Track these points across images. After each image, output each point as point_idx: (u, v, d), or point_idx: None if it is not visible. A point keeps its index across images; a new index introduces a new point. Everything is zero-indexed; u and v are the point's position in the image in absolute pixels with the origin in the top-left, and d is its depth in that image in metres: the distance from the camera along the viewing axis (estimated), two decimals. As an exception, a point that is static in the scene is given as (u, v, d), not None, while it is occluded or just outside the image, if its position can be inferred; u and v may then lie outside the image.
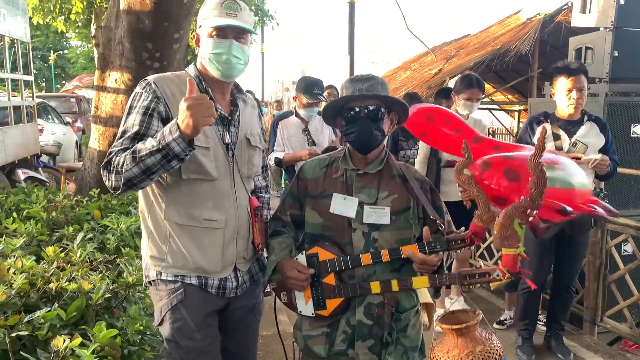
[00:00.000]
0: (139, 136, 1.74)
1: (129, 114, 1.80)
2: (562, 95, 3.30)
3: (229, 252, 1.91)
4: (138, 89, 1.83)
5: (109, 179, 1.71)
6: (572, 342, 3.88)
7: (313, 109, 4.13)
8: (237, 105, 2.00)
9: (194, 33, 1.95)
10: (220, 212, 1.88)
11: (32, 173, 6.84)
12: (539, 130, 3.39)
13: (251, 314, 2.11)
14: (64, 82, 33.13)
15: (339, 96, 2.03)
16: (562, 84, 3.29)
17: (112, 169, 1.69)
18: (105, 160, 1.73)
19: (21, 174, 6.58)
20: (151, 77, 1.85)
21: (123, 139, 1.75)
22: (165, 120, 1.78)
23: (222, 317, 2.01)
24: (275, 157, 4.09)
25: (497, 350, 2.04)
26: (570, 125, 3.34)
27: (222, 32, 1.82)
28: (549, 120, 3.39)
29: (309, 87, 4.07)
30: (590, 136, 3.32)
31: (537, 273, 3.43)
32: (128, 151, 1.67)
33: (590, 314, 4.13)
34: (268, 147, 4.20)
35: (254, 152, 2.04)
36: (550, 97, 3.51)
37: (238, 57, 1.85)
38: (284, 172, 5.54)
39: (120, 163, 1.66)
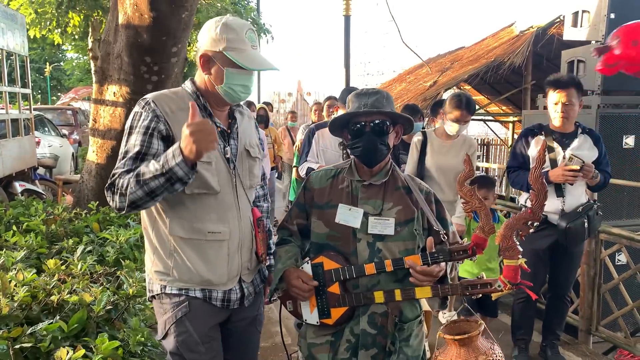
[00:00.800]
0: (141, 155, 1.76)
1: (130, 134, 1.82)
2: (551, 108, 3.38)
3: (234, 264, 1.94)
4: (137, 109, 1.85)
5: (113, 200, 1.74)
6: (568, 351, 3.91)
7: None
8: (235, 118, 2.02)
9: (192, 46, 1.96)
10: (225, 225, 1.90)
11: (29, 185, 6.85)
12: (533, 143, 3.44)
13: (252, 326, 2.13)
14: (59, 94, 33.13)
15: (342, 107, 2.07)
16: (551, 97, 3.37)
17: (116, 190, 1.72)
18: (109, 181, 1.76)
19: (18, 186, 6.58)
20: (149, 96, 1.87)
21: (125, 159, 1.77)
22: (165, 138, 1.80)
23: (224, 330, 2.03)
24: (308, 168, 3.91)
25: (499, 359, 2.07)
26: (564, 138, 3.39)
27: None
28: (543, 132, 3.45)
29: None
30: (584, 149, 3.37)
31: (532, 283, 3.46)
32: (132, 173, 1.70)
33: (585, 324, 4.16)
34: (301, 156, 4.07)
35: (254, 163, 2.07)
36: (544, 109, 3.57)
37: (251, 86, 1.90)
38: (295, 182, 5.45)
39: (125, 186, 1.69)
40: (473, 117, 4.32)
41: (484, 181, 3.71)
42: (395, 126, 2.00)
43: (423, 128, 4.54)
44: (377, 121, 1.92)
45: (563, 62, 5.21)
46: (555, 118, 3.37)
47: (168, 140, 1.76)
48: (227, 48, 1.81)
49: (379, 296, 1.92)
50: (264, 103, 9.42)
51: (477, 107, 11.29)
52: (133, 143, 1.79)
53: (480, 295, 2.01)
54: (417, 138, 3.91)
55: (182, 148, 1.61)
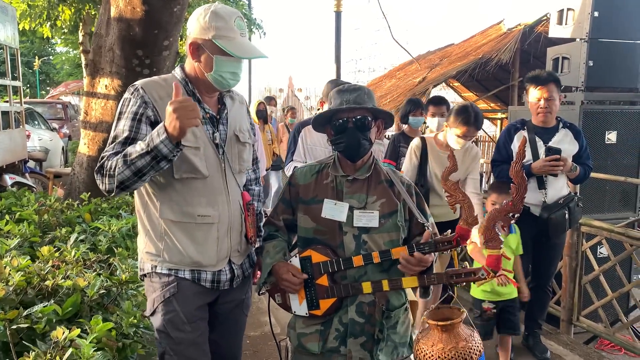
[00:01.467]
0: (129, 141, 1.81)
1: (119, 119, 1.87)
2: (533, 104, 3.48)
3: (223, 246, 1.99)
4: (127, 95, 1.89)
5: (102, 182, 1.79)
6: (550, 341, 4.01)
7: None
8: (225, 104, 2.06)
9: (185, 40, 2.01)
10: (214, 208, 1.96)
11: (19, 178, 6.85)
12: (516, 137, 3.54)
13: (239, 309, 2.18)
14: (48, 88, 32.90)
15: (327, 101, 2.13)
16: (532, 93, 3.47)
17: (105, 172, 1.77)
18: (98, 164, 1.81)
19: (8, 179, 6.59)
20: (139, 82, 1.91)
21: (114, 143, 1.83)
22: (154, 124, 1.84)
23: (211, 311, 2.08)
24: (295, 167, 3.60)
25: (477, 346, 2.16)
26: (546, 133, 3.49)
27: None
28: (525, 127, 3.54)
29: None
30: (565, 143, 3.47)
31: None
32: (119, 155, 1.75)
33: (566, 314, 4.28)
34: (286, 155, 3.87)
35: (244, 147, 2.11)
36: (520, 104, 3.67)
37: (240, 73, 1.95)
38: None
39: (113, 167, 1.74)
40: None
41: (497, 187, 3.50)
42: (377, 121, 2.05)
43: (424, 122, 4.59)
44: (359, 117, 1.97)
45: (548, 59, 5.31)
46: (539, 114, 3.47)
47: (156, 125, 1.81)
48: (216, 36, 1.84)
49: (366, 287, 1.97)
50: (266, 98, 8.95)
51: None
52: (122, 128, 1.84)
53: (464, 283, 2.10)
54: (415, 144, 3.74)
55: (166, 126, 1.67)
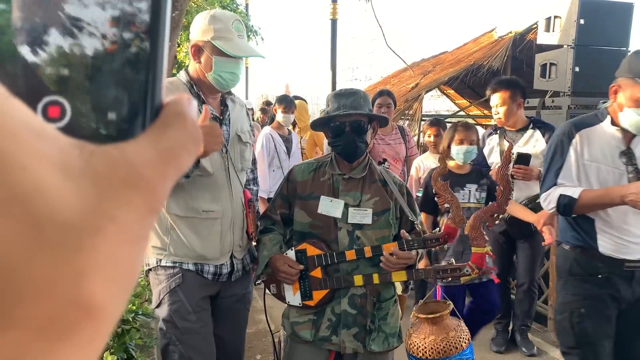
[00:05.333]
0: None
1: None
2: (493, 109, 3.64)
3: (226, 240, 2.10)
4: None
5: None
6: (537, 338, 4.11)
7: None
8: (227, 106, 2.18)
9: (186, 44, 2.12)
10: (218, 204, 2.07)
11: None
12: (488, 141, 3.68)
13: (241, 303, 2.28)
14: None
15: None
16: (491, 99, 3.64)
17: None
18: None
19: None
20: None
21: None
22: None
23: (214, 305, 2.17)
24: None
25: (466, 335, 2.29)
26: (515, 135, 3.60)
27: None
28: (497, 132, 3.68)
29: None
30: (530, 143, 3.54)
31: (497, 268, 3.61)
32: None
33: (554, 312, 4.36)
34: None
35: (245, 147, 2.22)
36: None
37: (239, 73, 2.06)
38: None
39: None
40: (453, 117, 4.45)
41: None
42: (372, 123, 2.17)
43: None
44: (355, 121, 2.08)
45: (537, 65, 5.44)
46: (494, 119, 3.66)
47: None
48: (214, 37, 1.96)
49: (358, 279, 2.08)
50: (265, 103, 8.27)
51: (458, 110, 11.47)
52: None
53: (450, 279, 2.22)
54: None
55: None
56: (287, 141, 4.67)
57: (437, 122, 4.35)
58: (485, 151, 3.68)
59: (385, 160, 4.15)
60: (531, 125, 3.61)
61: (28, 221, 0.19)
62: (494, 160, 3.59)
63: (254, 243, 2.29)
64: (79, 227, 0.20)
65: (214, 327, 2.17)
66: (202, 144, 1.17)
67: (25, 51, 0.23)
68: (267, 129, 4.72)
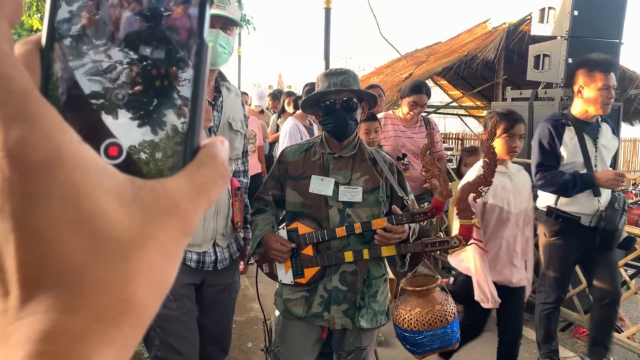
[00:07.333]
0: None
1: None
2: None
3: (209, 228, 2.09)
4: None
5: None
6: (526, 327, 4.14)
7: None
8: (221, 92, 2.16)
9: None
10: None
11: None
12: (567, 136, 3.28)
13: (227, 292, 2.27)
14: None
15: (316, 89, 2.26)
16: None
17: None
18: None
19: None
20: None
21: None
22: None
23: (199, 295, 2.17)
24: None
25: (452, 309, 2.31)
26: (590, 129, 3.31)
27: (209, 22, 2.00)
28: (569, 123, 3.32)
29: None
30: (609, 140, 3.32)
31: (559, 287, 3.43)
32: None
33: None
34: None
35: (235, 136, 2.22)
36: (512, 100, 3.74)
37: (223, 46, 2.02)
38: None
39: None
40: (448, 112, 4.43)
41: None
42: (362, 102, 2.19)
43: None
44: (345, 98, 2.10)
45: (530, 56, 5.45)
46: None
47: None
48: None
49: (348, 256, 2.11)
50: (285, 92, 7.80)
51: (451, 100, 11.48)
52: None
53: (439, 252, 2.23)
54: None
55: None
56: (310, 131, 4.95)
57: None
58: (565, 146, 3.23)
59: (405, 155, 4.00)
60: (600, 119, 3.30)
61: (91, 236, 0.25)
62: (578, 159, 3.19)
63: (241, 234, 2.29)
64: (128, 243, 0.26)
65: (200, 316, 2.16)
66: None
67: (93, 100, 0.29)
68: (292, 119, 4.94)
